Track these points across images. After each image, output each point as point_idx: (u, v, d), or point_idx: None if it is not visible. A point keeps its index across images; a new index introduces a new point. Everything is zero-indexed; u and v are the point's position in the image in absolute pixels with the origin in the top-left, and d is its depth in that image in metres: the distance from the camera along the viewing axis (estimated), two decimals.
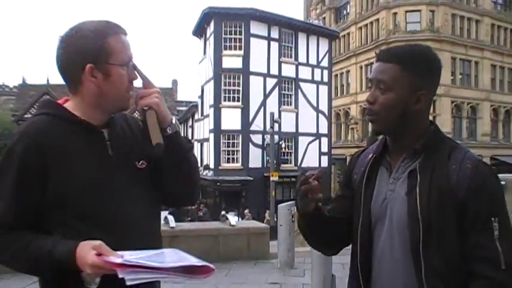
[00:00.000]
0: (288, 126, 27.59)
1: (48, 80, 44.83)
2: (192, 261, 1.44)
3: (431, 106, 1.65)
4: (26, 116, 42.94)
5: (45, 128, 1.54)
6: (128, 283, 1.35)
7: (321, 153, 30.29)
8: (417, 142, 1.55)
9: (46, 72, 50.51)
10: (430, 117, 1.66)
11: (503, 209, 1.42)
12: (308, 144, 29.43)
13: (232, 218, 8.60)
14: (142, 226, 1.63)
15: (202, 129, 31.19)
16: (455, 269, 1.41)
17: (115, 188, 1.58)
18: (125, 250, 1.41)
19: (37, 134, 1.51)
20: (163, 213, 7.06)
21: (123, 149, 1.66)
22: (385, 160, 1.64)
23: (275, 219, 19.73)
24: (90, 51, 1.53)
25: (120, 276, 1.34)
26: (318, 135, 30.04)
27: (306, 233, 1.78)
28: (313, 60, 29.87)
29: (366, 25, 41.78)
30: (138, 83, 1.68)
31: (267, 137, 25.78)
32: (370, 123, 1.63)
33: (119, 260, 1.36)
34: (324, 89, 30.55)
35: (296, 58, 28.91)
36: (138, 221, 1.62)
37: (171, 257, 1.44)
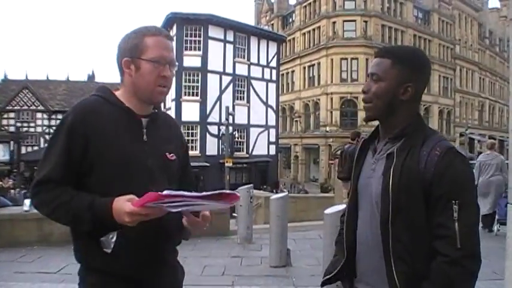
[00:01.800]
0: (240, 118, 27.50)
1: (26, 76, 42.91)
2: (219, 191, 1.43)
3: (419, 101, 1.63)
4: (7, 107, 41.36)
5: (93, 106, 1.62)
6: (173, 210, 1.38)
7: (269, 143, 30.43)
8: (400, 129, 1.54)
9: (25, 68, 48.32)
10: None
11: (466, 193, 1.40)
12: (258, 135, 29.46)
13: None
14: None
15: None
16: (420, 242, 1.40)
17: (144, 168, 1.61)
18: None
19: (85, 109, 1.60)
20: None
21: (157, 138, 1.69)
22: (373, 144, 1.64)
23: None
24: (128, 48, 1.64)
25: (165, 206, 1.37)
26: (267, 127, 30.12)
27: None
28: (263, 61, 29.85)
29: (309, 31, 42.27)
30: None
31: (222, 128, 25.62)
32: (365, 111, 1.63)
33: (165, 192, 1.33)
34: (272, 87, 30.59)
35: (248, 59, 28.78)
36: None
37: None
